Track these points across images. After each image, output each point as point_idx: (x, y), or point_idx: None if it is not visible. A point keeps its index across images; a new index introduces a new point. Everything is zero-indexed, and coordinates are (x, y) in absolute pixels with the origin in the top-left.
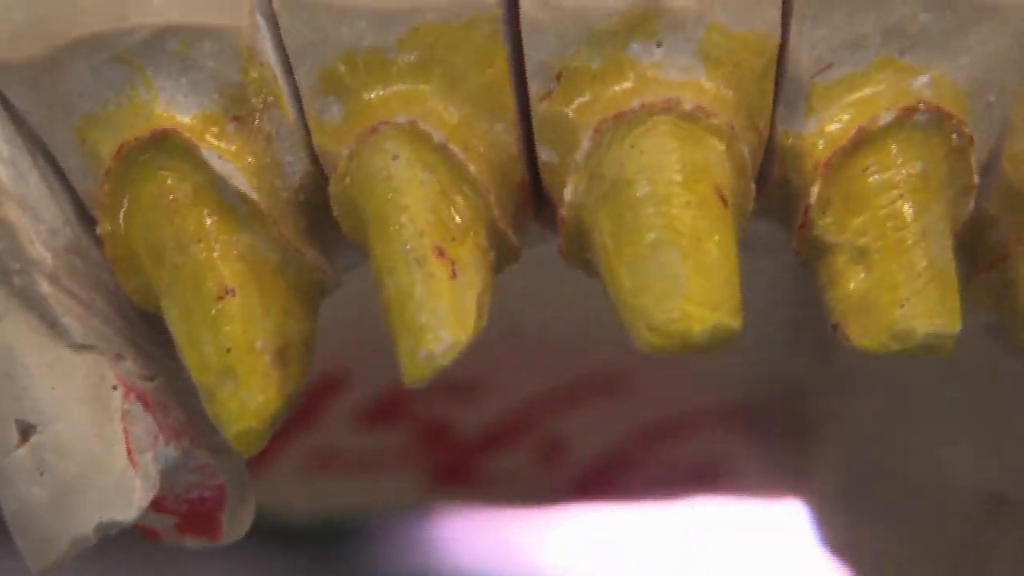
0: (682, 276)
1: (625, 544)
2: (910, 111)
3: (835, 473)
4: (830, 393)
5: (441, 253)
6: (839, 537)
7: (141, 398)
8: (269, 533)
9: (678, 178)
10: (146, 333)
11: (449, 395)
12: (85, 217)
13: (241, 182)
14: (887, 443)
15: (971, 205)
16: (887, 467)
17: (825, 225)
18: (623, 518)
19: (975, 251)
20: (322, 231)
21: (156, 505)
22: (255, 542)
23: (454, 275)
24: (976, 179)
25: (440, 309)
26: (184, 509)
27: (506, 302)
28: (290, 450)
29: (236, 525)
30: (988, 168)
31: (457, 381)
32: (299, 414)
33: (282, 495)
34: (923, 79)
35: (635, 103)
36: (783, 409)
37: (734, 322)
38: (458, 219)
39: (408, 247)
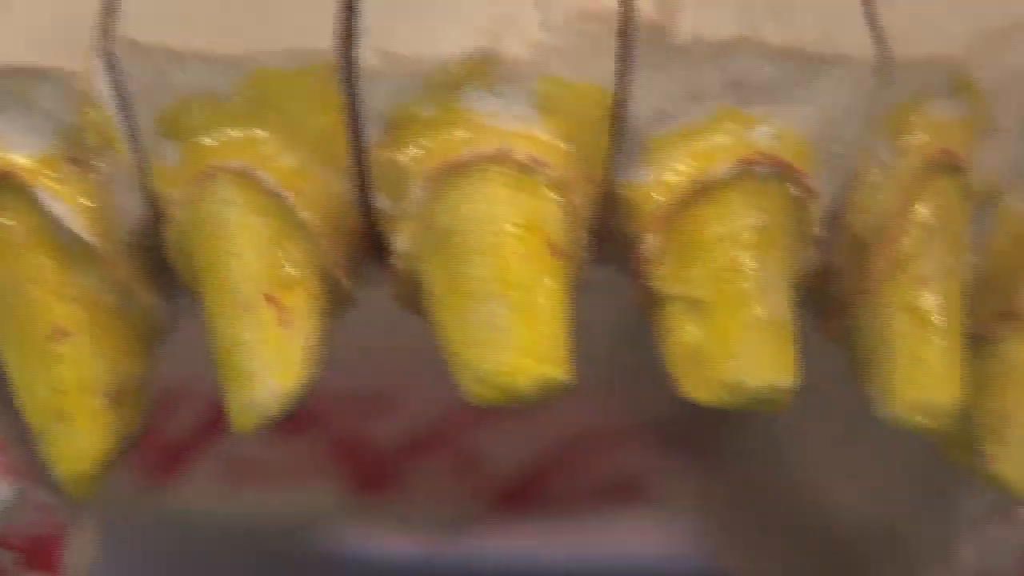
0: (510, 328)
1: (542, 557)
2: (749, 162)
3: (731, 503)
4: (730, 421)
5: (271, 299)
6: (733, 565)
7: None
8: (187, 543)
9: (509, 229)
10: None
11: (366, 407)
12: None
13: (76, 224)
14: (779, 475)
15: (814, 256)
16: (778, 498)
17: (660, 276)
18: (540, 531)
19: (822, 300)
20: (160, 273)
21: None
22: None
23: (284, 322)
24: (818, 230)
25: (268, 356)
26: (26, 546)
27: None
28: (205, 460)
29: (78, 562)
30: (833, 219)
31: (374, 393)
32: (213, 424)
33: (197, 505)
34: (764, 130)
35: (468, 152)
36: (694, 429)
37: (561, 375)
38: (290, 266)
39: (237, 293)
